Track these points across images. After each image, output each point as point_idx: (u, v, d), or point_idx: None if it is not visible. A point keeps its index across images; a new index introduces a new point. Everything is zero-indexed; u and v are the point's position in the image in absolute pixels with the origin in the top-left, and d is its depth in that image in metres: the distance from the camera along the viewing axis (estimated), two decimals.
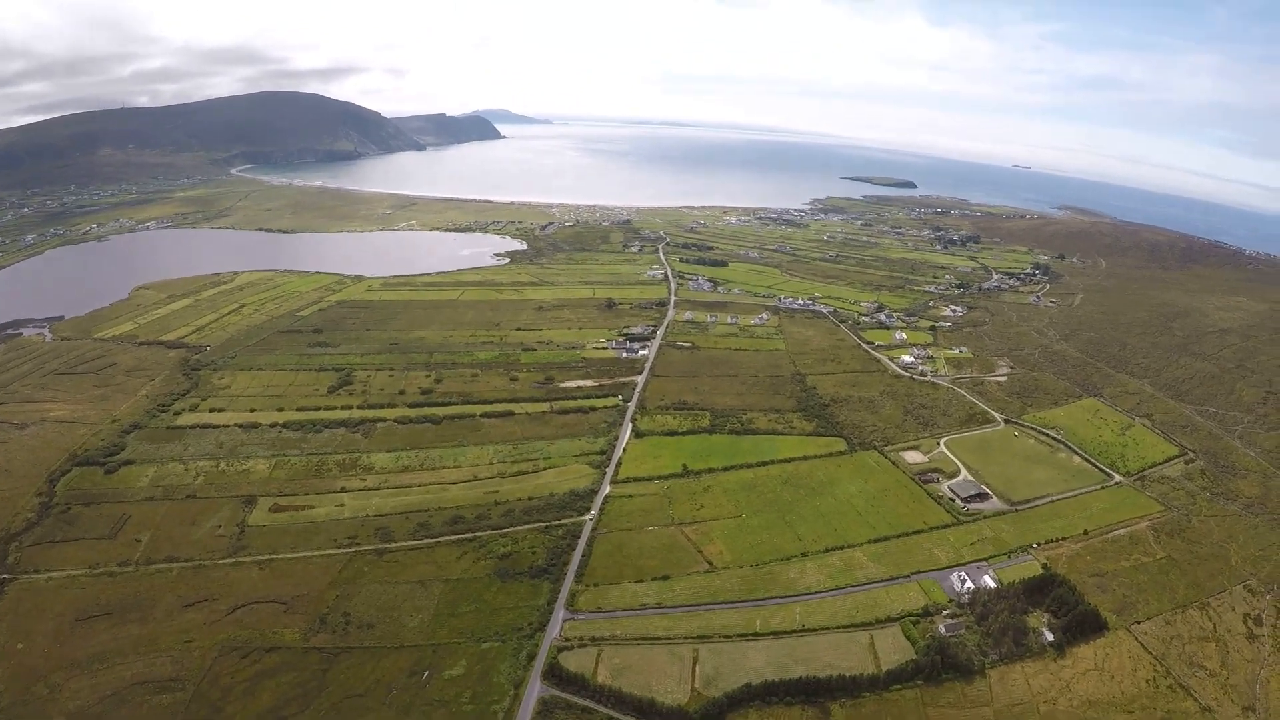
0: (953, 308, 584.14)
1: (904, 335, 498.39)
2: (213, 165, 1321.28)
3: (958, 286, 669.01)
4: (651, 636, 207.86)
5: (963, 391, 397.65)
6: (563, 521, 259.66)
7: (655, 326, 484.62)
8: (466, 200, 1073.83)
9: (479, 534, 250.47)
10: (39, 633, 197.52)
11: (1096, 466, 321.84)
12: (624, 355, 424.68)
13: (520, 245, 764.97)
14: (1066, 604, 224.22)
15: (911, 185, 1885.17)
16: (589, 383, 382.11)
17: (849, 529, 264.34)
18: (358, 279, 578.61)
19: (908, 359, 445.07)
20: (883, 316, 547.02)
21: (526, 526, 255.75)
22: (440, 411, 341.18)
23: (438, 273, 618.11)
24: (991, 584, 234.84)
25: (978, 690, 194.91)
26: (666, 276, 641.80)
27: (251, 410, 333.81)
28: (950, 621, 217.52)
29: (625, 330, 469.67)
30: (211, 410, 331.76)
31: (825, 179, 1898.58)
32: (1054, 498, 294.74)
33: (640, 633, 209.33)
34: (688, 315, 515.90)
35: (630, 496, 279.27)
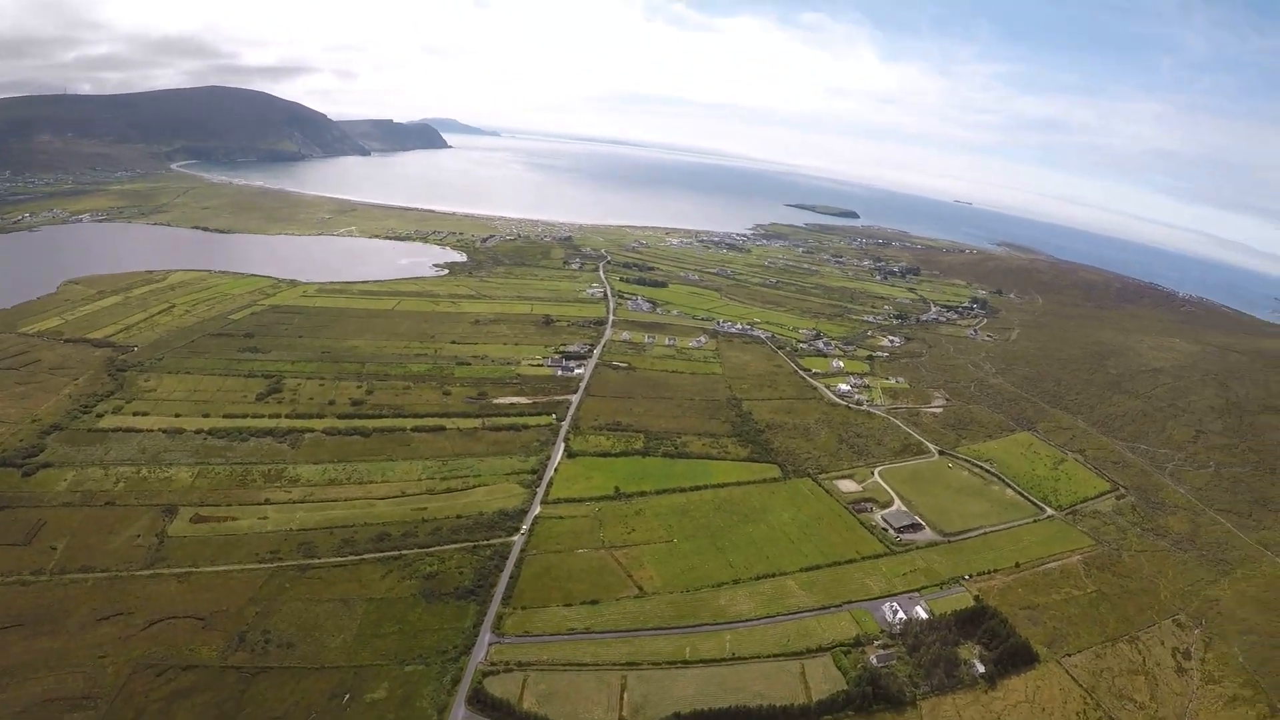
0: (891, 338, 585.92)
1: (841, 364, 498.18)
2: (153, 159, 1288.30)
3: (896, 317, 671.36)
4: (579, 662, 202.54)
5: (898, 422, 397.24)
6: (491, 541, 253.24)
7: (592, 345, 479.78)
8: (408, 209, 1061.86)
9: (405, 552, 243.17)
10: None
11: (1029, 500, 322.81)
12: (560, 373, 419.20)
13: (460, 257, 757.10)
14: (998, 636, 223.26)
15: (854, 215, 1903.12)
16: (523, 400, 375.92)
17: (781, 557, 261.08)
18: (293, 283, 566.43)
19: (844, 387, 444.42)
20: (821, 344, 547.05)
21: (454, 546, 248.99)
22: (370, 424, 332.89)
23: (375, 281, 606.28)
24: (924, 615, 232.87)
25: None
26: (606, 295, 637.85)
27: (177, 415, 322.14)
28: (882, 652, 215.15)
29: (562, 348, 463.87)
30: (135, 414, 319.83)
31: (769, 205, 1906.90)
32: (987, 530, 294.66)
33: (568, 658, 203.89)
34: (625, 335, 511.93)
35: (561, 518, 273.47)
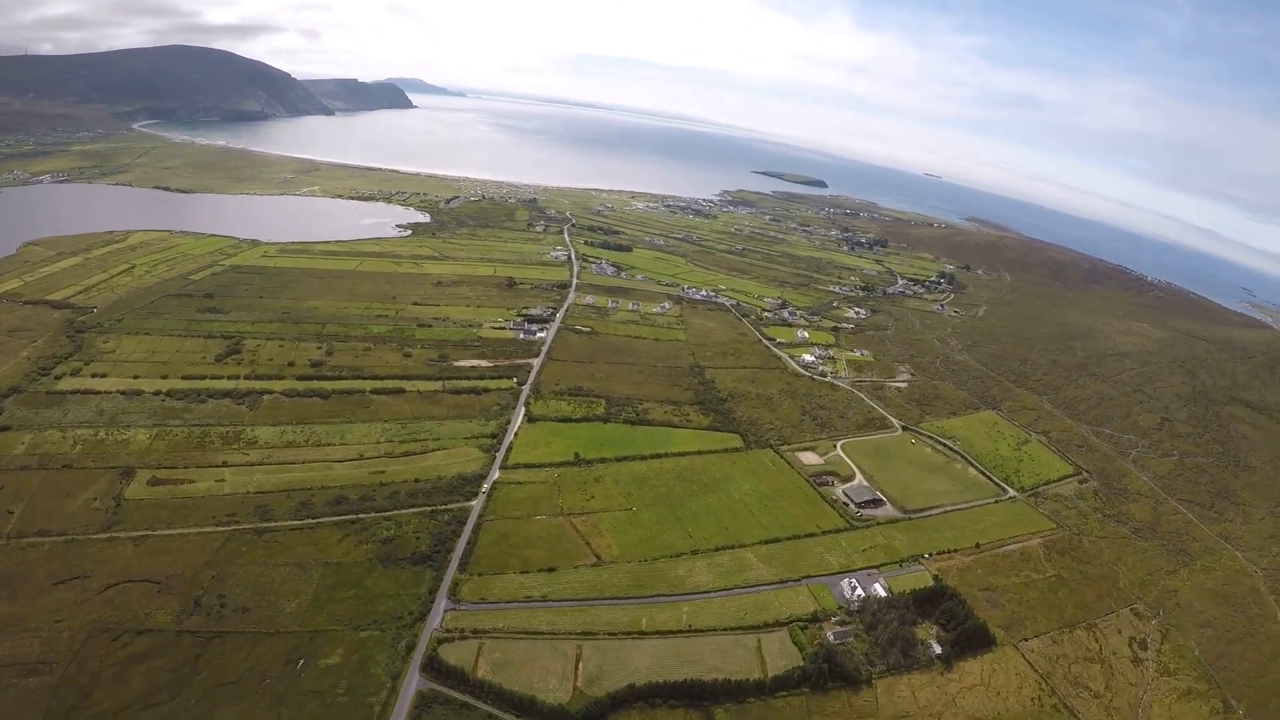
0: (856, 310, 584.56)
1: (806, 334, 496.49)
2: (115, 119, 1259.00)
3: (862, 289, 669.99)
4: (535, 631, 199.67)
5: (862, 395, 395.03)
6: (449, 506, 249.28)
7: (555, 309, 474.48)
8: (372, 169, 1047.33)
9: (362, 516, 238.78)
10: None
11: (991, 480, 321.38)
12: (522, 336, 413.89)
13: (424, 218, 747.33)
14: (956, 617, 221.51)
15: (822, 184, 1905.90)
16: (484, 363, 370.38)
17: (741, 528, 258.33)
18: (254, 243, 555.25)
19: (809, 358, 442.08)
20: (786, 314, 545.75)
21: (412, 510, 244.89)
22: (329, 385, 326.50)
23: (337, 241, 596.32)
24: (882, 593, 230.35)
25: (864, 700, 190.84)
26: (570, 258, 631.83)
27: (135, 377, 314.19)
28: (839, 629, 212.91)
29: (525, 311, 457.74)
30: (94, 375, 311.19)
31: (737, 172, 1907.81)
32: (948, 508, 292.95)
33: (524, 626, 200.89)
34: (589, 299, 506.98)
35: (520, 483, 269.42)
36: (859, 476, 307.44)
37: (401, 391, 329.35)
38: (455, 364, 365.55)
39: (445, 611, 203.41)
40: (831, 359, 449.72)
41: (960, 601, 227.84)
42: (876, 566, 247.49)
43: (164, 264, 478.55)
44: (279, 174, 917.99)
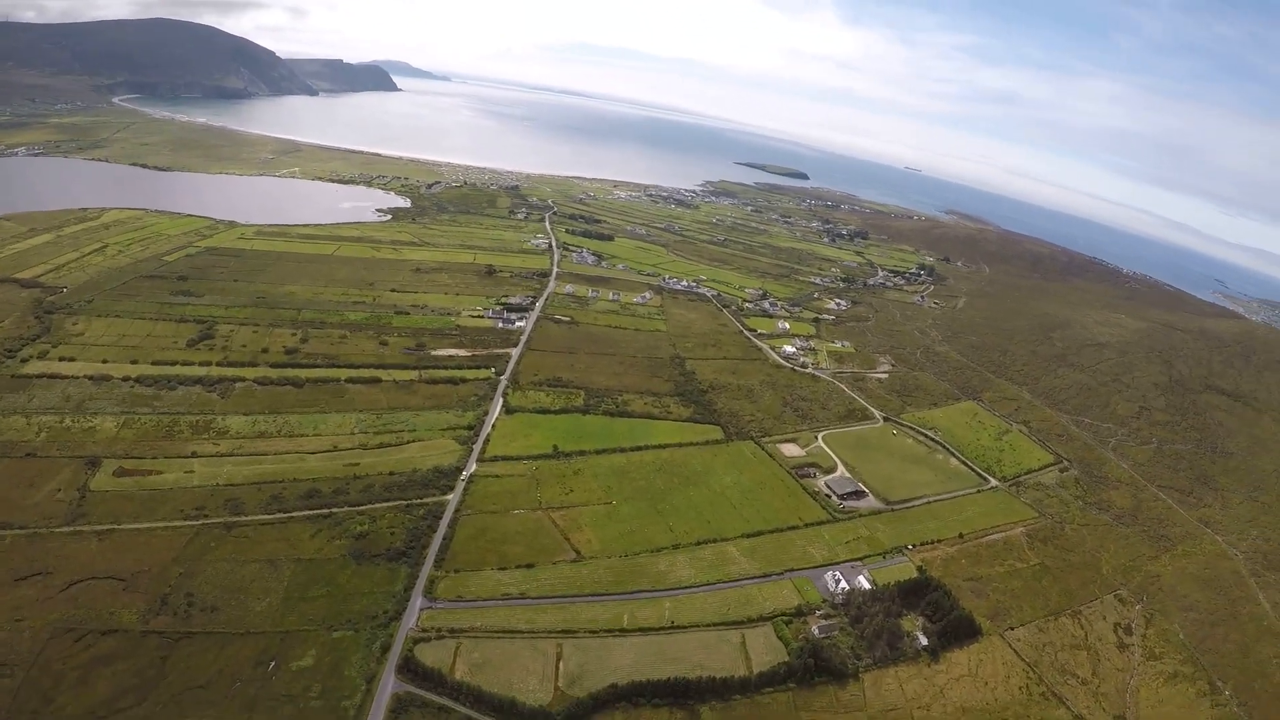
0: (837, 301, 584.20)
1: (787, 325, 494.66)
2: (94, 92, 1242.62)
3: (843, 280, 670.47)
4: (514, 630, 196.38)
5: (843, 386, 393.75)
6: (424, 500, 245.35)
7: (535, 298, 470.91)
8: (353, 151, 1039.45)
9: (335, 510, 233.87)
10: None
11: (973, 470, 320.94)
12: (500, 325, 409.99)
13: (404, 202, 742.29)
14: (941, 608, 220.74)
15: (804, 176, 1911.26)
16: (462, 352, 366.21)
17: (723, 522, 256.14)
18: (231, 225, 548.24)
19: (790, 349, 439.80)
20: (767, 305, 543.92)
21: (386, 504, 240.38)
22: (304, 374, 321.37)
23: (315, 224, 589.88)
24: (866, 585, 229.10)
25: (851, 694, 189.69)
26: (551, 247, 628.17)
27: (104, 361, 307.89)
28: (824, 623, 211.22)
29: (504, 299, 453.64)
30: (61, 359, 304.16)
31: (719, 162, 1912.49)
32: (930, 499, 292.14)
33: (502, 625, 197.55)
34: (569, 288, 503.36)
35: (497, 476, 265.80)
36: (841, 468, 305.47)
37: (377, 381, 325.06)
38: (432, 353, 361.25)
39: (421, 610, 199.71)
40: (812, 350, 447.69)
41: (945, 592, 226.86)
42: (860, 559, 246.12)
43: (138, 244, 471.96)
44: (259, 154, 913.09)
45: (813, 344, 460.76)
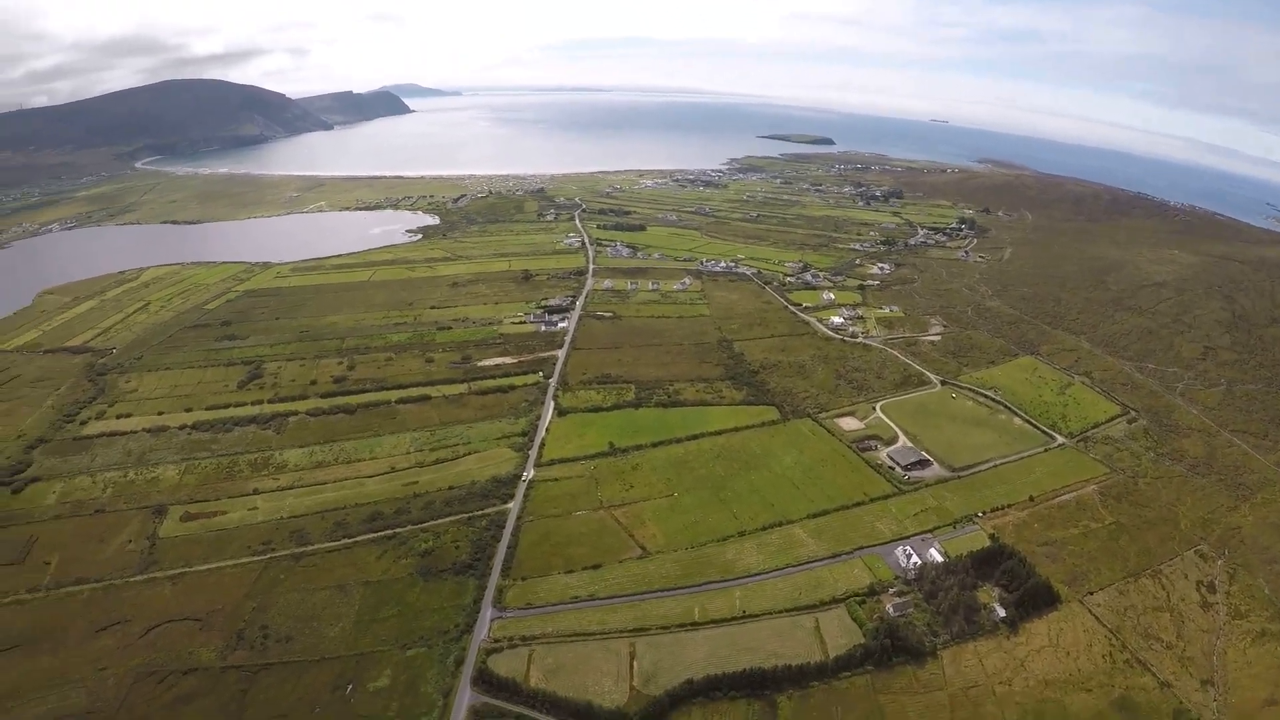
0: (880, 265, 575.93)
1: (832, 295, 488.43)
2: (117, 160, 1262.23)
3: (883, 243, 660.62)
4: (585, 632, 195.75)
5: (896, 352, 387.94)
6: (486, 511, 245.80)
7: (574, 297, 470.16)
8: (376, 177, 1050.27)
9: (399, 530, 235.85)
10: None
11: (1038, 428, 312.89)
12: (543, 329, 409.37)
13: (432, 220, 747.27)
14: (1017, 577, 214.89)
15: (830, 142, 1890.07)
16: (508, 360, 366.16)
17: (787, 504, 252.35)
18: (266, 266, 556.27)
19: (837, 320, 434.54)
20: (809, 276, 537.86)
21: (448, 519, 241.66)
22: (354, 400, 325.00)
23: (348, 254, 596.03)
24: (938, 558, 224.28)
25: (930, 673, 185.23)
26: (584, 244, 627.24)
27: (159, 413, 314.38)
28: (898, 600, 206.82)
29: (543, 302, 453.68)
30: (119, 416, 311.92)
31: (742, 139, 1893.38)
32: (996, 462, 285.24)
33: (573, 629, 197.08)
34: (607, 283, 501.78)
35: (556, 480, 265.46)
36: (902, 438, 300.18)
37: (427, 398, 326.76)
38: (479, 364, 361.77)
39: (492, 621, 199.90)
40: (860, 318, 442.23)
41: (1020, 560, 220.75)
42: (930, 530, 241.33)
43: (178, 297, 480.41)
44: (284, 194, 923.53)
45: (860, 312, 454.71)
